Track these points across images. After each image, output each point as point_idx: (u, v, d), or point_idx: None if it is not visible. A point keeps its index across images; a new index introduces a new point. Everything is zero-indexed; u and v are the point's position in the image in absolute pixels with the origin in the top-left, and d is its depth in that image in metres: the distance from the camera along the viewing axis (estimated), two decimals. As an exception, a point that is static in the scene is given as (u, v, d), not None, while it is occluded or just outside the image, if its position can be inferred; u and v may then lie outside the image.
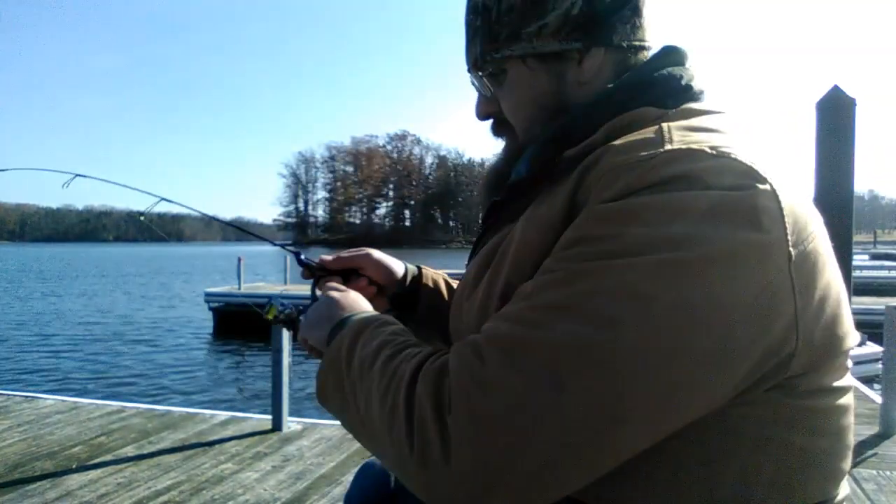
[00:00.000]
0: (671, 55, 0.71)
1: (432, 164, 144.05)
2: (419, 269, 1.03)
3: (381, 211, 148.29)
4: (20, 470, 3.52)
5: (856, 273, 9.12)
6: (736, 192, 0.53)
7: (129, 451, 3.83)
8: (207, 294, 16.27)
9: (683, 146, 0.56)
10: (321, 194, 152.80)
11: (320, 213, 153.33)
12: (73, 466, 3.58)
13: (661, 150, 0.56)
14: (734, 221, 0.52)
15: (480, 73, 0.77)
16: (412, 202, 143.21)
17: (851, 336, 0.61)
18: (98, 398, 6.17)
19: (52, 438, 4.09)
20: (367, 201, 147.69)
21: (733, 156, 0.55)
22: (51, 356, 12.06)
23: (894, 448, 3.93)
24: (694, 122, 0.62)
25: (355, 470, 1.03)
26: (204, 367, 11.16)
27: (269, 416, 4.32)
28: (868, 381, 6.62)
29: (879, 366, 5.22)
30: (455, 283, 1.03)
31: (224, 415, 4.69)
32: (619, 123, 0.64)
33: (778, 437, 0.57)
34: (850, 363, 0.64)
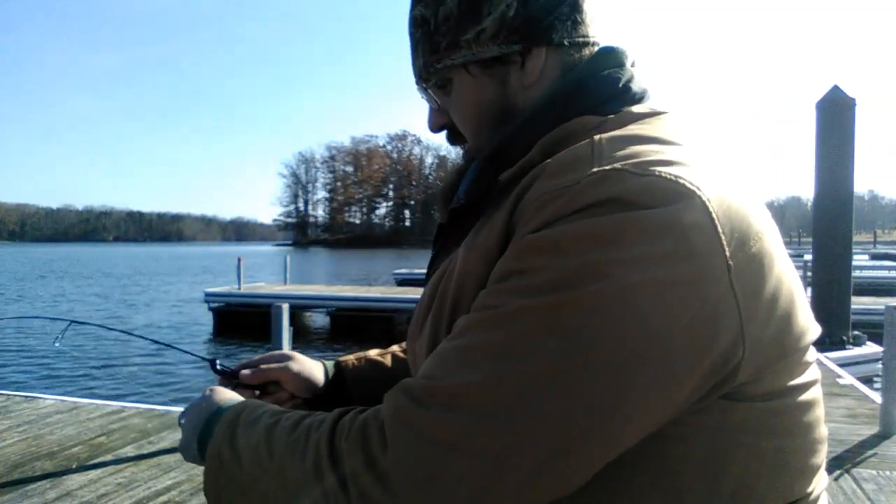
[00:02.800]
0: (609, 56, 0.69)
1: (432, 164, 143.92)
2: (337, 363, 1.01)
3: (381, 211, 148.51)
4: (20, 470, 3.52)
5: (856, 273, 9.11)
6: (660, 210, 0.51)
7: (129, 451, 3.83)
8: (207, 294, 16.27)
9: (608, 167, 0.55)
10: (321, 194, 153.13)
11: (320, 213, 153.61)
12: (73, 466, 3.58)
13: (587, 173, 0.55)
14: (661, 242, 0.50)
15: (426, 85, 0.77)
16: (412, 202, 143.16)
17: (810, 331, 0.60)
18: (98, 398, 6.17)
19: (52, 438, 4.09)
20: (367, 201, 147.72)
21: (658, 172, 0.53)
22: (51, 356, 12.06)
23: (894, 448, 3.94)
24: (630, 130, 0.61)
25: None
26: (204, 368, 11.10)
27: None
28: (868, 381, 6.61)
29: (879, 366, 5.23)
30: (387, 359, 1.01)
31: (224, 415, 4.68)
32: (554, 138, 0.63)
33: (740, 443, 0.56)
34: (814, 355, 0.63)
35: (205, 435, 0.71)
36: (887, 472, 3.49)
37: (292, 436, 0.61)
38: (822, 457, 0.63)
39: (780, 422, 0.58)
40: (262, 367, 0.94)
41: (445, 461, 0.51)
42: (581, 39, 0.69)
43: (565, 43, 0.69)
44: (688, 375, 0.51)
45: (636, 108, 0.66)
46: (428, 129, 0.82)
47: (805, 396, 0.60)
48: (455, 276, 0.63)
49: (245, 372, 0.94)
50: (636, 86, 0.68)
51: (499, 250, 0.59)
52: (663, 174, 0.53)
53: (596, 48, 0.71)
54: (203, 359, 1.04)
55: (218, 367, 0.96)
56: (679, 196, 0.52)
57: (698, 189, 0.53)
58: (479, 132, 0.74)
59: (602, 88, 0.67)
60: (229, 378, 0.95)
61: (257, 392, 0.94)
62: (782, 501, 0.59)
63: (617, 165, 0.54)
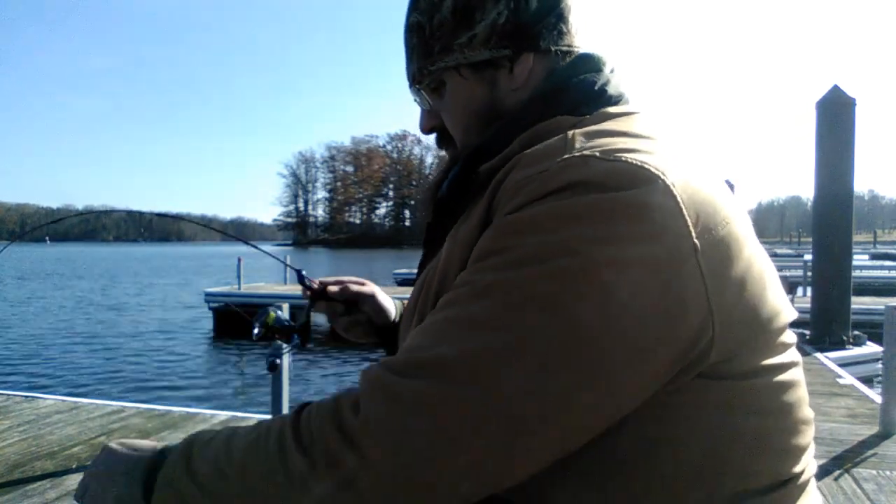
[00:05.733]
0: (587, 62, 0.74)
1: (432, 163, 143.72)
2: None
3: (381, 211, 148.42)
4: (20, 470, 3.53)
5: (856, 273, 9.11)
6: (625, 192, 0.54)
7: (129, 451, 3.83)
8: (207, 294, 16.26)
9: (577, 154, 0.58)
10: (321, 194, 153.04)
11: (320, 212, 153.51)
12: (73, 466, 3.59)
13: (559, 159, 0.58)
14: (627, 222, 0.53)
15: (419, 87, 0.80)
16: (412, 202, 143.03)
17: (783, 314, 0.62)
18: (98, 398, 6.17)
19: (52, 438, 4.09)
20: (367, 201, 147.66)
21: (624, 158, 0.56)
22: (51, 356, 12.06)
23: (894, 448, 3.94)
24: (603, 126, 0.64)
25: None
26: (204, 368, 11.16)
27: (269, 416, 4.31)
28: (868, 381, 6.61)
29: (879, 366, 5.23)
30: None
31: (224, 415, 4.69)
32: (531, 134, 0.67)
33: (718, 421, 0.57)
34: (792, 338, 0.65)
35: (151, 479, 0.63)
36: (887, 472, 3.49)
37: (252, 434, 0.60)
38: (806, 438, 0.64)
39: (757, 400, 0.59)
40: (347, 283, 0.99)
41: (416, 422, 0.52)
42: (566, 48, 0.74)
43: (552, 50, 0.73)
44: (657, 352, 0.53)
45: (611, 110, 0.69)
46: (420, 130, 0.86)
47: (783, 377, 0.62)
48: (441, 263, 0.67)
49: (332, 287, 0.97)
50: (612, 89, 0.72)
51: (479, 237, 0.61)
52: (628, 160, 0.56)
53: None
54: (290, 266, 1.03)
55: (305, 280, 0.96)
56: (644, 180, 0.55)
57: (662, 173, 0.56)
58: (468, 131, 0.78)
59: (579, 91, 0.71)
60: (315, 293, 0.95)
61: (341, 308, 0.96)
62: (767, 480, 0.60)
63: (585, 153, 0.58)
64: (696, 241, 0.54)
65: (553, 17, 0.73)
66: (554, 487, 0.59)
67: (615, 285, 0.51)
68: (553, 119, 0.68)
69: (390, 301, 1.05)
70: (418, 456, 0.51)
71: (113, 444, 0.69)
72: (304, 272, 0.97)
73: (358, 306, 1.01)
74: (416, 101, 0.84)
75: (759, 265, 0.60)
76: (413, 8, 0.78)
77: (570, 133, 0.62)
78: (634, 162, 0.56)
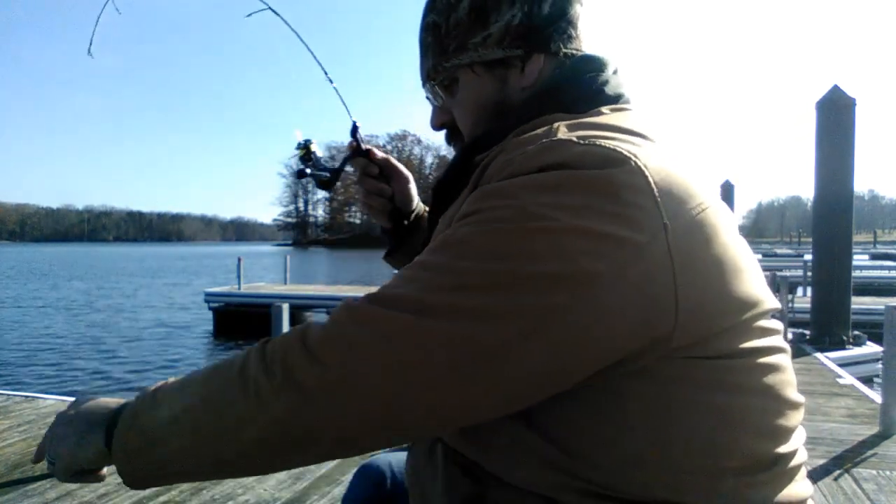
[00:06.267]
0: (587, 63, 0.77)
1: (432, 163, 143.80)
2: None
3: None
4: (20, 470, 3.52)
5: (856, 273, 9.11)
6: (596, 171, 0.57)
7: (129, 451, 3.83)
8: (207, 294, 16.27)
9: (556, 139, 0.62)
10: (321, 194, 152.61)
11: (320, 212, 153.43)
12: (73, 466, 3.58)
13: (538, 143, 0.62)
14: (594, 195, 0.56)
15: (433, 83, 0.85)
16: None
17: (764, 303, 0.63)
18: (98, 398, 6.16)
19: (52, 438, 4.09)
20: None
21: (598, 143, 0.60)
22: (51, 356, 12.06)
23: (894, 448, 3.93)
24: (590, 120, 0.68)
25: (354, 470, 1.03)
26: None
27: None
28: (868, 381, 6.61)
29: (879, 366, 5.23)
30: None
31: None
32: (525, 128, 0.70)
33: (691, 397, 0.59)
34: (775, 325, 0.66)
35: (113, 425, 0.64)
36: (887, 472, 3.49)
37: (217, 364, 0.63)
38: (792, 421, 0.65)
39: (732, 379, 0.61)
40: (391, 160, 1.07)
41: (369, 341, 0.55)
42: (574, 51, 0.78)
43: (561, 52, 0.77)
44: (614, 320, 0.54)
45: (606, 108, 0.72)
46: (430, 126, 0.90)
47: (766, 359, 0.63)
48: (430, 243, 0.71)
49: (378, 153, 1.05)
50: (611, 89, 0.75)
51: None
52: (602, 144, 0.60)
53: None
54: (350, 115, 1.06)
55: (357, 132, 1.01)
56: (615, 161, 0.58)
57: (634, 155, 0.58)
58: (476, 126, 0.82)
59: (576, 89, 0.74)
60: (359, 149, 1.02)
61: (375, 170, 1.05)
62: (752, 460, 0.61)
63: (563, 138, 0.62)
64: (665, 221, 0.56)
65: (564, 21, 0.77)
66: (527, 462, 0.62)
67: (578, 252, 0.54)
68: (548, 115, 0.71)
69: (418, 199, 1.13)
70: (374, 370, 0.54)
71: (78, 398, 0.71)
72: (358, 124, 1.02)
73: (389, 182, 1.08)
74: (428, 97, 0.88)
75: (736, 254, 0.61)
76: (430, 9, 0.82)
77: (556, 125, 0.66)
78: (608, 146, 0.59)
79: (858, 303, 9.31)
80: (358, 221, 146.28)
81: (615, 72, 0.77)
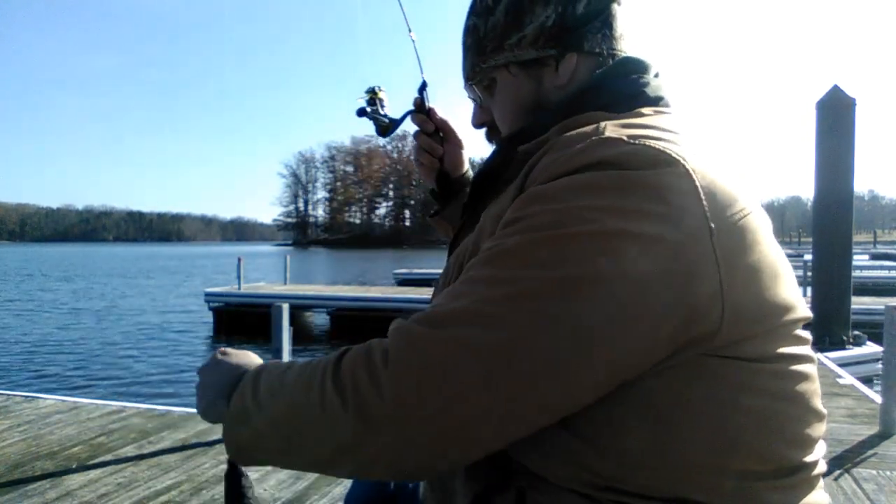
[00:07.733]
0: (628, 64, 0.78)
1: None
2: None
3: (381, 211, 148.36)
4: (20, 470, 3.53)
5: (856, 273, 9.11)
6: (644, 171, 0.58)
7: (129, 451, 3.83)
8: (207, 294, 16.27)
9: (604, 136, 0.62)
10: (321, 194, 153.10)
11: (320, 212, 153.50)
12: (73, 466, 3.59)
13: (587, 141, 0.62)
14: (643, 199, 0.56)
15: (472, 83, 0.88)
16: (412, 202, 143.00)
17: (798, 309, 0.64)
18: (98, 398, 6.17)
19: (52, 438, 4.09)
20: (367, 201, 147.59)
21: (647, 143, 0.60)
22: (51, 356, 12.06)
23: (894, 448, 3.94)
24: (633, 120, 0.68)
25: (355, 470, 1.03)
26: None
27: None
28: (868, 381, 6.61)
29: (879, 366, 5.23)
30: None
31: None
32: (567, 124, 0.71)
33: (729, 398, 0.59)
34: (806, 335, 0.67)
35: (232, 390, 0.73)
36: (887, 472, 3.49)
37: (305, 367, 0.66)
38: (817, 431, 0.65)
39: (769, 383, 0.61)
40: (449, 124, 1.11)
41: (433, 371, 0.55)
42: (609, 50, 0.79)
43: (595, 51, 0.78)
44: (661, 321, 0.55)
45: (646, 109, 0.72)
46: (471, 125, 0.94)
47: (795, 367, 0.63)
48: (474, 236, 0.71)
49: (440, 115, 1.10)
50: (651, 91, 0.75)
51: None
52: (652, 144, 0.60)
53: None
54: (423, 75, 1.11)
55: (425, 91, 1.07)
56: (664, 162, 0.58)
57: (683, 158, 0.59)
58: (514, 123, 0.84)
59: (617, 90, 0.75)
60: (422, 106, 1.08)
61: (431, 128, 1.09)
62: (775, 465, 0.61)
63: (612, 135, 0.62)
64: (711, 224, 0.57)
65: (598, 21, 0.78)
66: (571, 455, 0.62)
67: (624, 254, 0.54)
68: (589, 113, 0.71)
69: (469, 167, 1.16)
70: (439, 401, 0.55)
71: (218, 355, 0.80)
72: (427, 84, 1.07)
73: (443, 143, 1.12)
74: (469, 97, 0.92)
75: (775, 260, 0.62)
76: (471, 12, 0.85)
77: (603, 123, 0.66)
78: (658, 146, 0.60)
79: (858, 303, 9.30)
80: (358, 221, 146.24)
81: (657, 75, 0.78)
